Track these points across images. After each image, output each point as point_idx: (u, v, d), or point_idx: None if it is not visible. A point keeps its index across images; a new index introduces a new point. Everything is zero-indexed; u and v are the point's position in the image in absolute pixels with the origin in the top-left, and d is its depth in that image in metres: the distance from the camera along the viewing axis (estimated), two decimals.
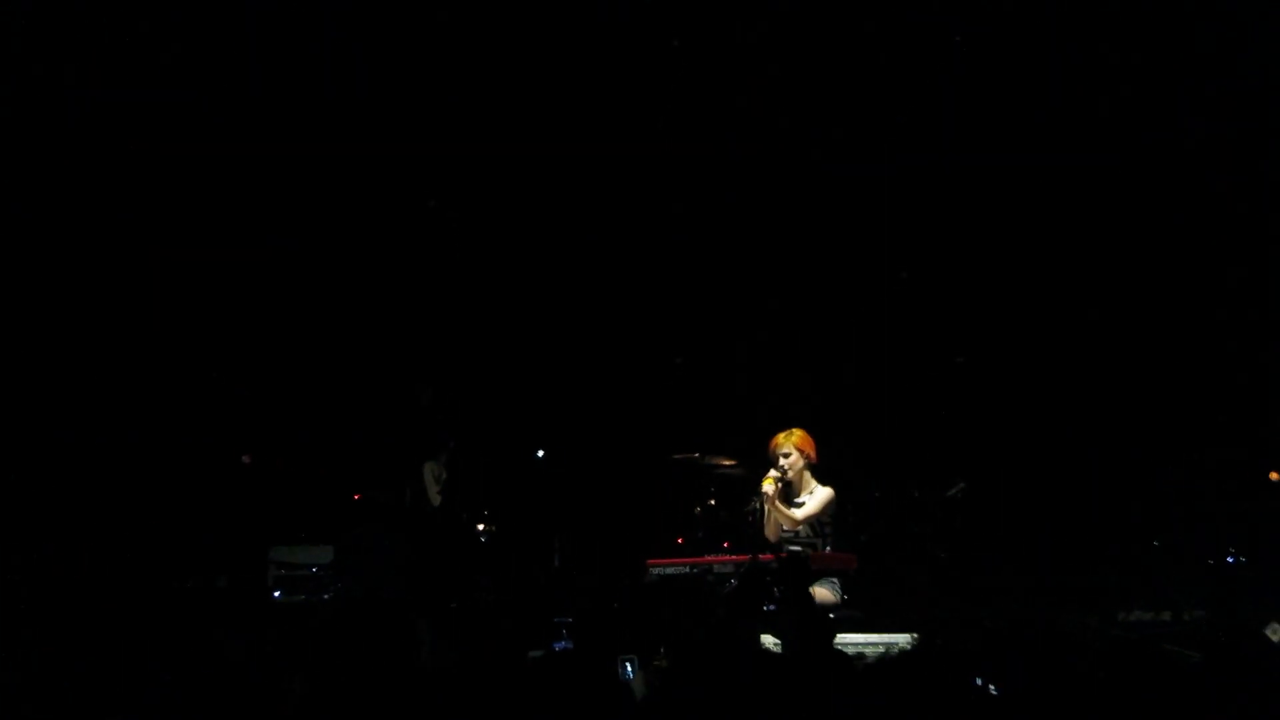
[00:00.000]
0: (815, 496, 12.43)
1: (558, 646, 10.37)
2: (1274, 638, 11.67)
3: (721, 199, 16.07)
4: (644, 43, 15.39)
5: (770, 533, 12.28)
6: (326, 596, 13.77)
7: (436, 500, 14.86)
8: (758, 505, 12.25)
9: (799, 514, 12.34)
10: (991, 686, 4.97)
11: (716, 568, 12.23)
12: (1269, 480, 14.11)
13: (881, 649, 10.93)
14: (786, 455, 12.44)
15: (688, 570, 12.27)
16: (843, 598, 12.02)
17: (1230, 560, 13.89)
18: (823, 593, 11.84)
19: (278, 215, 15.47)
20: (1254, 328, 14.83)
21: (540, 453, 15.72)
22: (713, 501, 14.63)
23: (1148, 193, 15.06)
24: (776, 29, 15.33)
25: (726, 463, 14.30)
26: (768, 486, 12.22)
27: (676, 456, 14.57)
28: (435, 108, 15.40)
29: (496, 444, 15.86)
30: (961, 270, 15.92)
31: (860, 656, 7.26)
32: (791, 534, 12.24)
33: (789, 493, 12.44)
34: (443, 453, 15.05)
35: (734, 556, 12.39)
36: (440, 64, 15.40)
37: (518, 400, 16.41)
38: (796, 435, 12.47)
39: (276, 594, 14.05)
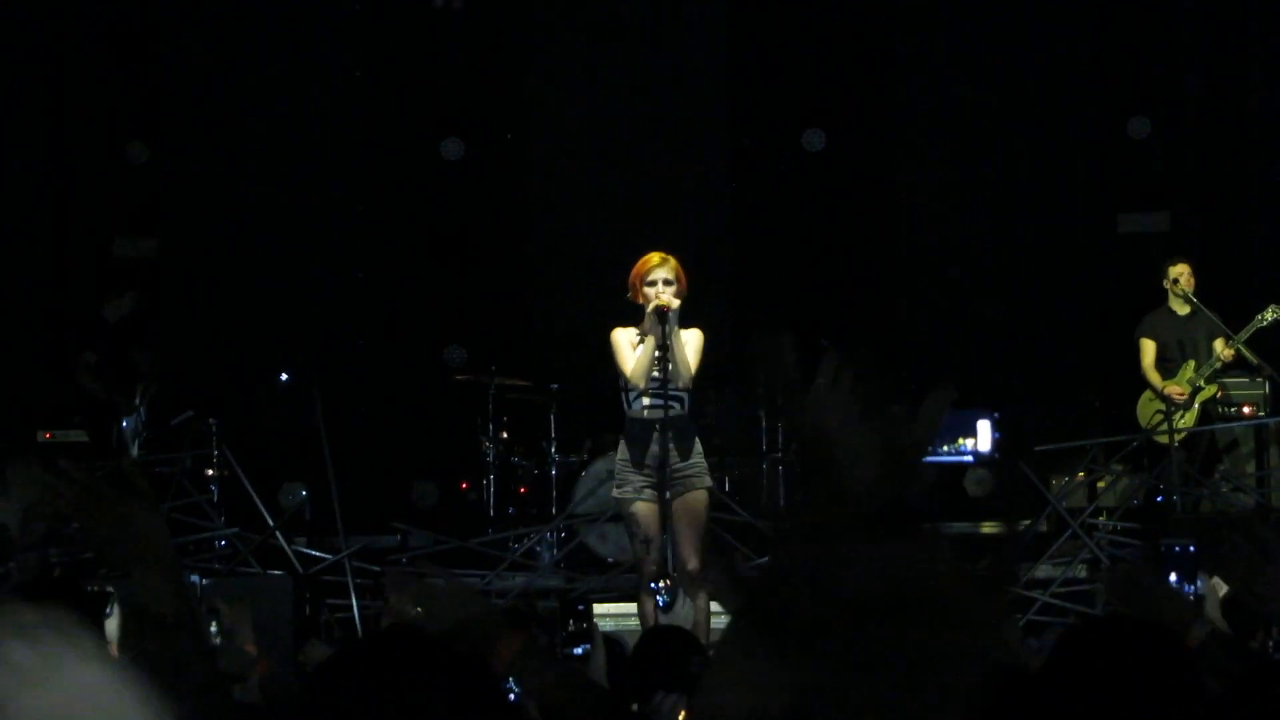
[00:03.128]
0: (691, 343, 8.83)
1: None
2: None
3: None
4: None
5: (638, 376, 8.91)
6: (12, 565, 10.78)
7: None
8: (652, 332, 8.70)
9: (693, 361, 8.80)
10: None
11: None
12: None
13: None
14: (669, 283, 8.73)
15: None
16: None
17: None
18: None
19: None
20: None
21: (283, 376, 12.62)
22: (505, 435, 12.01)
23: None
24: None
25: (519, 384, 12.47)
26: (673, 301, 8.67)
27: (459, 377, 12.77)
28: None
29: (220, 362, 13.67)
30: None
31: None
32: (677, 397, 8.77)
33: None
34: (146, 377, 12.59)
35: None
36: None
37: (252, 308, 14.06)
38: (674, 261, 8.85)
39: None
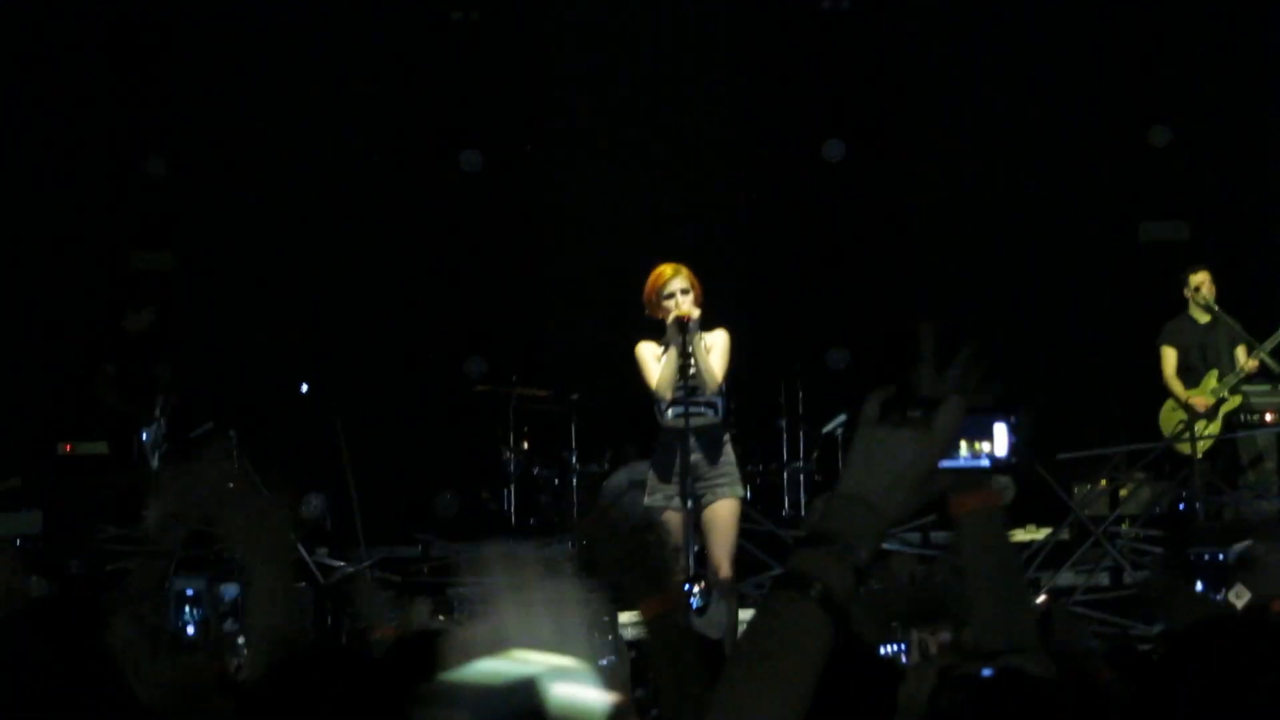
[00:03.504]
0: (718, 344, 8.85)
1: None
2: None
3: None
4: None
5: (664, 387, 8.80)
6: (33, 579, 10.69)
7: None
8: (675, 342, 8.72)
9: (719, 368, 8.79)
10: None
11: None
12: None
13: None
14: (685, 291, 8.74)
15: None
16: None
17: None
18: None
19: None
20: None
21: (303, 387, 12.66)
22: (526, 446, 12.03)
23: None
24: None
25: (539, 394, 12.47)
26: (693, 310, 8.67)
27: (478, 388, 12.80)
28: None
29: (240, 374, 13.50)
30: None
31: None
32: (709, 404, 8.82)
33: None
34: (166, 389, 12.56)
35: None
36: None
37: (271, 320, 13.97)
38: (686, 270, 8.86)
39: None
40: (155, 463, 12.24)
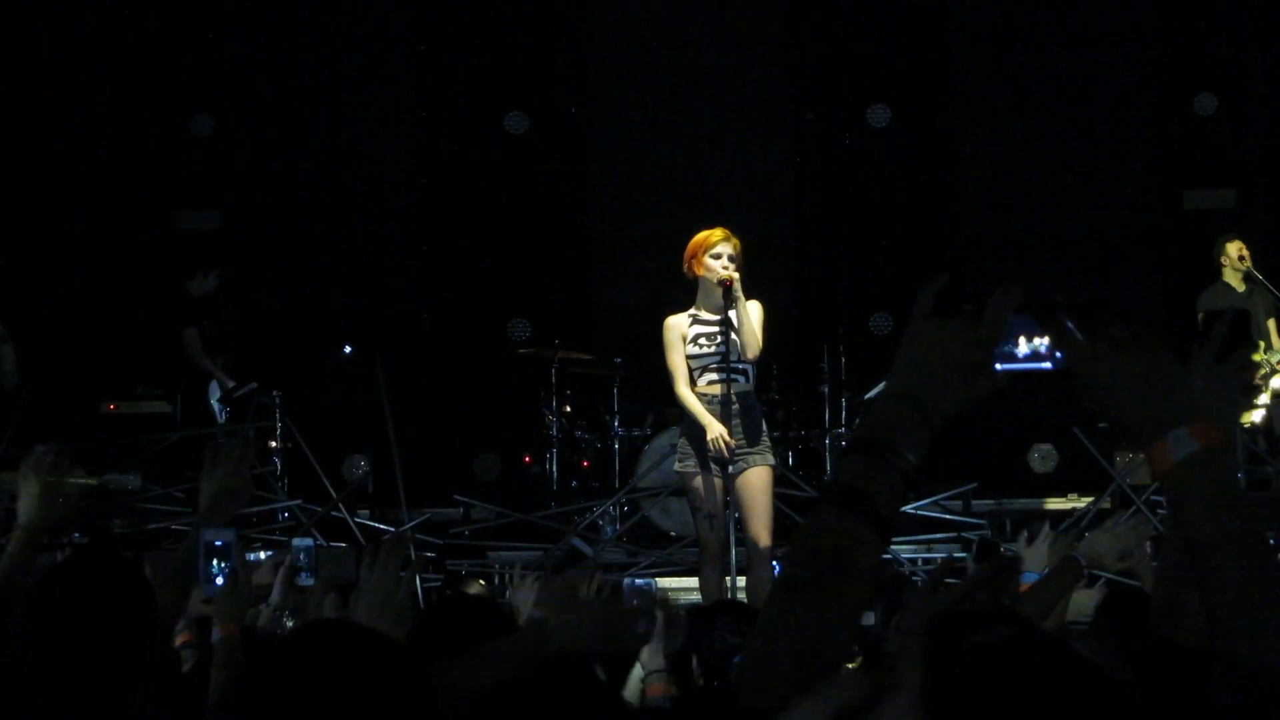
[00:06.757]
0: (755, 315, 8.66)
1: None
2: None
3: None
4: None
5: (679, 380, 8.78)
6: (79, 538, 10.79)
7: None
8: (701, 303, 8.77)
9: (759, 333, 8.64)
10: None
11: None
12: None
13: None
14: (732, 258, 8.65)
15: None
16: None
17: None
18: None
19: None
20: None
21: (347, 348, 12.62)
22: (568, 409, 12.01)
23: None
24: None
25: (582, 358, 12.40)
26: (735, 275, 8.57)
27: (522, 350, 12.72)
28: None
29: (283, 335, 13.55)
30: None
31: None
32: (742, 371, 8.79)
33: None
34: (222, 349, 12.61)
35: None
36: None
37: (315, 281, 13.93)
38: (737, 240, 8.72)
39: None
40: (222, 419, 12.27)
